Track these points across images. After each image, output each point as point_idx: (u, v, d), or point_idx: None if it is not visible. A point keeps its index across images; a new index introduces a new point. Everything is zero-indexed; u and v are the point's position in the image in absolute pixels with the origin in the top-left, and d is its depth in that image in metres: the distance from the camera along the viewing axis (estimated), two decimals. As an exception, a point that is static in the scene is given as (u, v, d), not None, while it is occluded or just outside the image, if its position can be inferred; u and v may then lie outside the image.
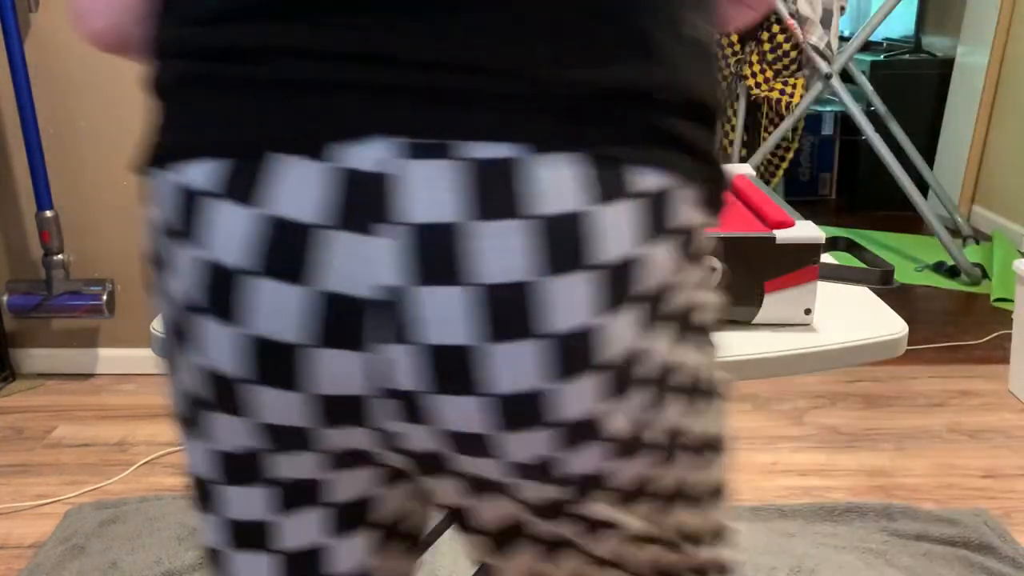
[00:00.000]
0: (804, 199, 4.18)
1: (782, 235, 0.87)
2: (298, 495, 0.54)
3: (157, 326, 0.94)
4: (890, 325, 0.90)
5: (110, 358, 2.48)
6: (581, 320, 0.45)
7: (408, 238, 0.43)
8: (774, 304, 0.89)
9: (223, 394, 0.49)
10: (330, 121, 0.43)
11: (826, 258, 1.04)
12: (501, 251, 0.43)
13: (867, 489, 1.89)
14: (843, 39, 3.62)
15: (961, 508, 1.80)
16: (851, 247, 1.03)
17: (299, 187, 0.43)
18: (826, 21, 3.13)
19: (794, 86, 3.27)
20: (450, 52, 0.43)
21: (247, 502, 0.54)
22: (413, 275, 0.43)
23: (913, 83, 3.87)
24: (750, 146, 3.60)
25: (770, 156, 3.63)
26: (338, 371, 0.46)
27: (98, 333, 2.48)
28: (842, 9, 3.17)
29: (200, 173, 0.45)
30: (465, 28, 0.43)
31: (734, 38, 3.42)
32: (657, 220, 0.47)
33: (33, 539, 1.77)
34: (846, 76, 3.22)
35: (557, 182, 0.43)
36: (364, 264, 0.43)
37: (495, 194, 0.43)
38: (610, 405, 0.48)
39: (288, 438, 0.51)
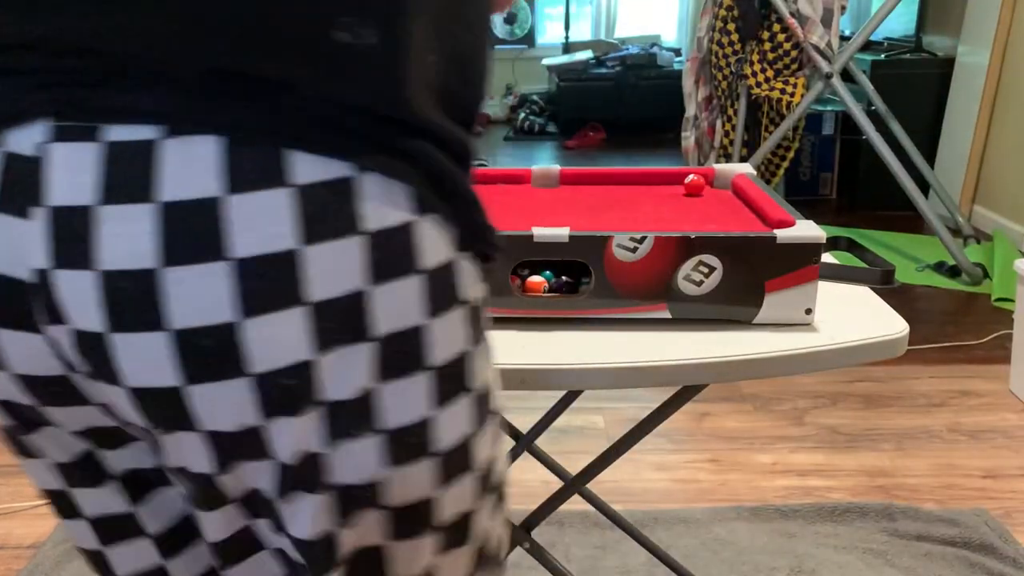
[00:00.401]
0: (804, 199, 4.18)
1: (783, 235, 0.87)
2: (75, 471, 0.55)
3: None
4: (890, 325, 0.89)
5: (110, 358, 2.48)
6: (214, 317, 0.42)
7: (48, 221, 0.43)
8: (774, 304, 0.89)
9: None
10: (2, 107, 0.44)
11: (827, 258, 1.04)
12: (125, 236, 0.42)
13: (867, 489, 1.88)
14: (843, 38, 3.62)
15: (961, 508, 1.80)
16: (852, 247, 1.02)
17: None
18: (827, 20, 3.13)
19: (795, 85, 3.27)
20: (97, 36, 0.42)
21: (38, 473, 0.56)
22: (52, 258, 0.43)
23: (914, 83, 3.87)
24: (750, 146, 3.60)
25: (770, 156, 3.63)
26: (25, 352, 0.47)
27: (98, 333, 2.47)
28: (843, 8, 3.17)
29: None
30: (107, 11, 0.42)
31: (734, 37, 3.42)
32: (331, 216, 0.43)
33: (32, 539, 1.77)
34: (846, 75, 3.22)
35: (189, 166, 0.42)
36: (19, 246, 0.44)
37: (125, 177, 0.42)
38: (266, 422, 0.45)
39: (26, 416, 0.52)
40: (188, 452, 0.46)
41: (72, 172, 0.42)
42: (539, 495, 1.86)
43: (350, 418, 0.46)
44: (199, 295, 0.42)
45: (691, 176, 1.11)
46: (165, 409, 0.45)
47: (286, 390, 0.44)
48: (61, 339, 0.45)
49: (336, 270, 0.44)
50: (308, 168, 0.43)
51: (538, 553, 1.10)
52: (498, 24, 6.52)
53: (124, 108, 0.42)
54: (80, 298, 0.43)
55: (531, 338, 0.88)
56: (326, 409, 0.45)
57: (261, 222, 0.42)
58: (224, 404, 0.44)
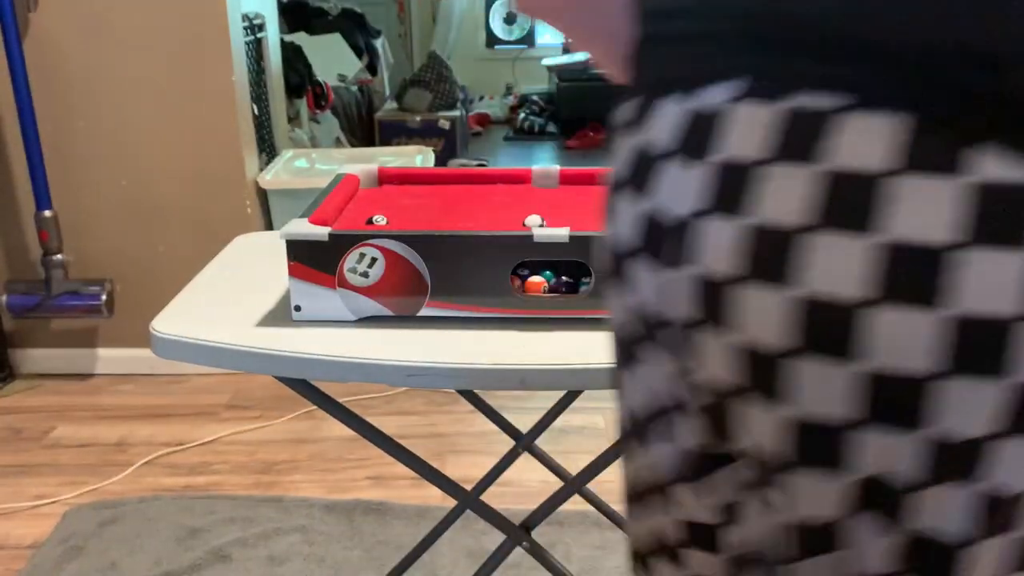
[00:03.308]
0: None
1: (783, 235, 0.87)
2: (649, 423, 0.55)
3: (157, 326, 0.93)
4: (891, 325, 0.89)
5: (109, 358, 2.48)
6: (843, 291, 0.42)
7: (708, 172, 0.46)
8: (775, 304, 0.89)
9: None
10: (695, 68, 0.49)
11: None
12: (783, 194, 0.44)
13: (867, 489, 1.88)
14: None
15: (962, 508, 1.80)
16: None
17: (664, 121, 0.50)
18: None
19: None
20: (794, 3, 0.44)
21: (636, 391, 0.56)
22: (705, 203, 0.47)
23: (913, 83, 3.87)
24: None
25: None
26: (651, 283, 0.50)
27: (97, 333, 2.47)
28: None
29: (624, 110, 0.55)
30: None
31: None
32: (998, 219, 0.40)
33: (32, 539, 1.77)
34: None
35: (861, 138, 0.42)
36: (677, 190, 0.48)
37: (795, 140, 0.44)
38: (1000, 437, 0.42)
39: (636, 335, 0.54)
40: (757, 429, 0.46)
41: (746, 130, 0.45)
42: (539, 495, 1.86)
43: None
44: (837, 266, 0.42)
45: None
46: (763, 371, 0.45)
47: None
48: (681, 279, 0.48)
49: (997, 288, 0.41)
50: (994, 166, 0.40)
51: (538, 553, 1.10)
52: (498, 24, 6.53)
53: (813, 76, 0.44)
54: (720, 244, 0.45)
55: (531, 338, 0.88)
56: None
57: (921, 207, 0.41)
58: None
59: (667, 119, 0.50)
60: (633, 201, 0.51)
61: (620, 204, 0.53)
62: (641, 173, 0.51)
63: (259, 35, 2.68)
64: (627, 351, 0.55)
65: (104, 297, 2.30)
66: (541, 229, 0.89)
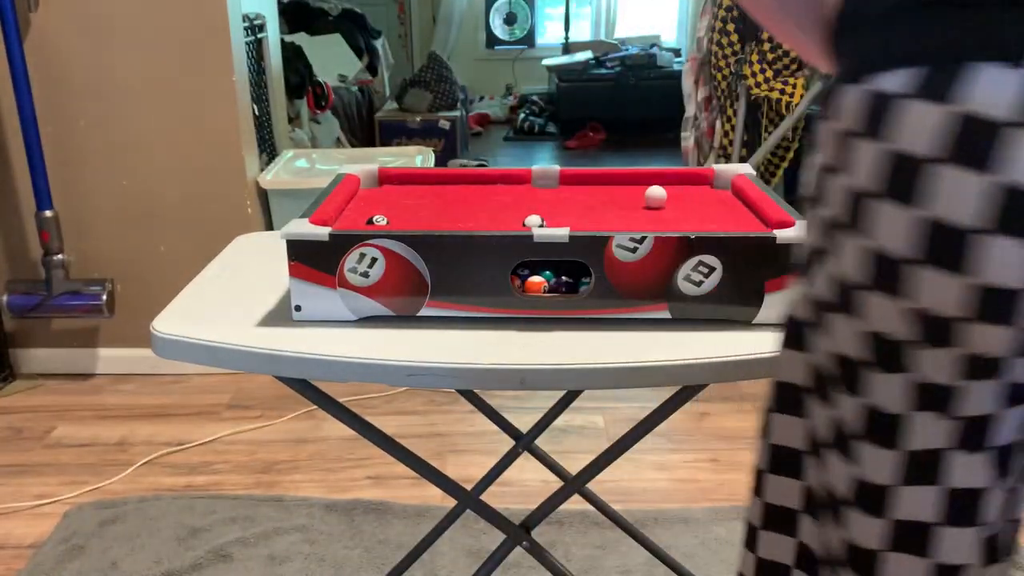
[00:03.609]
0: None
1: (782, 235, 0.87)
2: None
3: (157, 326, 0.93)
4: (890, 325, 0.89)
5: (110, 358, 2.48)
6: None
7: None
8: (774, 304, 0.89)
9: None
10: None
11: (826, 258, 1.04)
12: None
13: (867, 489, 1.88)
14: (843, 39, 3.62)
15: (961, 508, 1.80)
16: (851, 247, 1.02)
17: (997, 89, 0.46)
18: (826, 21, 3.12)
19: (794, 86, 3.27)
20: None
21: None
22: None
23: (913, 83, 3.86)
24: (750, 146, 3.60)
25: (770, 156, 3.63)
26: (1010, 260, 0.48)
27: (98, 333, 2.48)
28: (842, 9, 3.17)
29: (894, 80, 0.51)
30: None
31: (734, 38, 3.42)
32: None
33: (32, 539, 1.77)
34: (846, 76, 3.22)
35: None
36: None
37: None
38: None
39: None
40: None
41: None
42: (539, 495, 1.86)
43: None
44: None
45: (655, 190, 1.10)
46: None
47: None
48: None
49: None
50: None
51: (538, 553, 1.10)
52: (498, 24, 6.53)
53: None
54: None
55: (531, 338, 0.88)
56: None
57: None
58: None
59: (1001, 86, 0.46)
60: (969, 175, 0.48)
61: (943, 180, 0.49)
62: (974, 145, 0.47)
63: (259, 35, 2.69)
64: (935, 334, 0.52)
65: (105, 297, 2.30)
66: (541, 229, 0.89)
